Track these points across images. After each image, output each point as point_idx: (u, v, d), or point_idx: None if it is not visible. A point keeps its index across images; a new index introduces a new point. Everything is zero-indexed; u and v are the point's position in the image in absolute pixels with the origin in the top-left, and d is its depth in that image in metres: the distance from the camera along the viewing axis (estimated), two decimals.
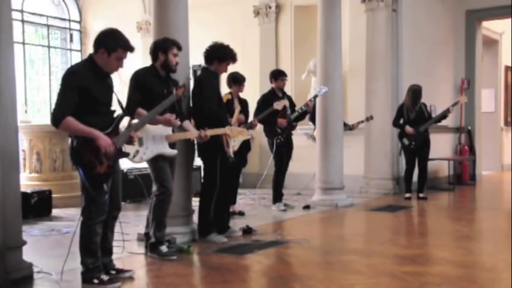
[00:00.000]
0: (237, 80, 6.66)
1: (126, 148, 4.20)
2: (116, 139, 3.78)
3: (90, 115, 3.66)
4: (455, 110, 10.69)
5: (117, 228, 4.86)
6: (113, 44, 3.71)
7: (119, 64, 3.77)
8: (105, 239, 3.99)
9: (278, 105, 6.87)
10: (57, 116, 3.58)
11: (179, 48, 4.73)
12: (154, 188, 4.71)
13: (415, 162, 8.42)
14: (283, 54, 10.33)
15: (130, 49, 3.77)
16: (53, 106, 3.67)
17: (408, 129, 8.24)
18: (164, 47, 4.67)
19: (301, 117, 7.47)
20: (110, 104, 3.85)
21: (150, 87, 4.56)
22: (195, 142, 5.30)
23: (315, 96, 7.45)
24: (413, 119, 8.27)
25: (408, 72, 9.25)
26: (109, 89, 3.86)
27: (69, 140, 3.74)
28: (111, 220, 4.00)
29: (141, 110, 4.40)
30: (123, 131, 3.91)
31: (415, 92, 8.23)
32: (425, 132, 8.34)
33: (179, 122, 4.60)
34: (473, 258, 4.80)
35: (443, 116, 8.43)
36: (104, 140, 3.64)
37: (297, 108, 7.46)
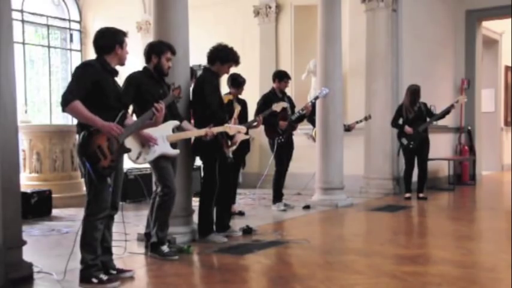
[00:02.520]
0: (237, 83, 6.64)
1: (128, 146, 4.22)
2: (120, 135, 3.79)
3: (101, 112, 3.70)
4: (455, 110, 10.72)
5: (118, 228, 4.89)
6: (118, 37, 3.94)
7: (127, 51, 4.00)
8: (103, 238, 3.98)
9: (277, 107, 6.85)
10: (67, 98, 3.65)
11: (173, 52, 4.73)
12: (157, 188, 4.70)
13: (414, 162, 8.42)
14: (283, 54, 10.34)
15: (126, 34, 4.05)
16: (63, 93, 3.72)
17: (407, 129, 8.24)
18: (158, 51, 4.68)
19: (300, 119, 7.47)
20: (118, 101, 3.91)
21: (146, 89, 4.56)
22: (193, 143, 5.31)
23: (316, 98, 7.44)
24: (412, 119, 8.27)
25: (408, 72, 9.25)
26: (117, 87, 3.96)
27: (76, 136, 3.78)
28: (108, 219, 4.00)
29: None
30: (124, 129, 3.90)
31: (414, 92, 8.24)
32: (425, 132, 8.34)
33: (157, 144, 4.46)
34: (473, 258, 4.80)
35: (445, 113, 8.42)
36: (108, 126, 3.68)
37: (297, 109, 7.46)
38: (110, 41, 3.90)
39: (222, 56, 5.28)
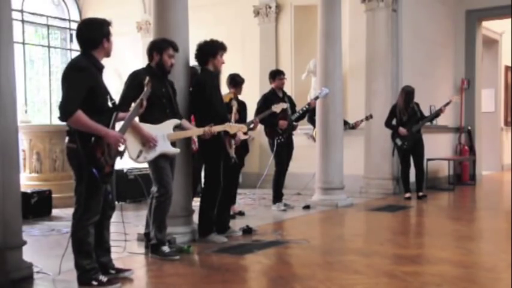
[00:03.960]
0: (235, 82, 6.68)
1: (128, 148, 4.21)
2: None
3: (95, 113, 3.62)
4: (455, 110, 10.76)
5: (118, 228, 4.88)
6: (104, 29, 3.77)
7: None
8: (102, 239, 3.96)
9: (276, 108, 6.87)
10: (69, 110, 3.52)
11: (175, 49, 4.73)
12: (154, 188, 4.70)
13: (409, 162, 8.44)
14: (283, 54, 10.34)
15: (110, 23, 3.86)
16: (60, 101, 3.59)
17: (402, 130, 8.26)
18: (160, 48, 4.68)
19: (301, 117, 7.48)
20: (108, 100, 3.82)
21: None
22: (197, 143, 5.32)
23: (316, 98, 7.44)
24: (405, 120, 8.29)
25: (408, 72, 9.25)
26: (105, 84, 3.84)
27: (67, 139, 3.70)
28: (105, 220, 3.97)
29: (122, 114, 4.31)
30: (118, 129, 3.89)
31: (408, 93, 8.26)
32: (418, 132, 8.37)
33: (156, 145, 4.46)
34: (473, 258, 4.80)
35: (436, 115, 8.50)
36: (113, 136, 3.64)
37: (297, 109, 7.46)
38: (96, 34, 3.72)
39: (209, 50, 5.27)
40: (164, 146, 4.53)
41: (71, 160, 3.78)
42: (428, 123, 8.69)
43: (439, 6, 10.64)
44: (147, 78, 4.15)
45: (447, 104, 8.47)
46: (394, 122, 8.38)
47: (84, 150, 3.59)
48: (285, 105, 7.00)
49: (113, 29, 3.85)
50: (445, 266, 4.35)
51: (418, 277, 4.02)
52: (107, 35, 3.76)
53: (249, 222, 6.06)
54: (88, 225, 3.73)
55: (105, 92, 3.78)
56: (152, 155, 4.46)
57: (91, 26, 3.77)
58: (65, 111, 3.53)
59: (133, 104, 4.56)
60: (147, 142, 4.37)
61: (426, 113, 8.84)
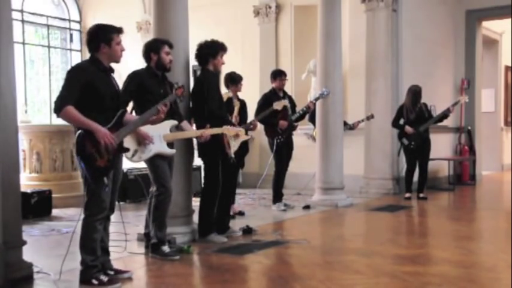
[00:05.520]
0: (233, 80, 6.68)
1: (126, 145, 4.21)
2: (117, 134, 3.78)
3: (95, 112, 3.68)
4: (455, 110, 10.74)
5: (118, 228, 4.88)
6: (106, 34, 3.84)
7: (121, 48, 3.91)
8: (100, 239, 3.97)
9: (278, 106, 6.89)
10: (59, 104, 3.64)
11: (170, 46, 4.77)
12: (153, 188, 4.71)
13: (415, 163, 8.41)
14: (283, 54, 10.34)
15: (120, 30, 3.92)
16: (55, 99, 3.71)
17: (408, 129, 8.23)
18: (155, 47, 4.72)
19: (301, 118, 7.48)
20: (115, 99, 3.87)
21: (147, 87, 4.58)
22: (195, 143, 5.32)
23: (317, 99, 7.43)
24: (413, 120, 8.27)
25: (408, 72, 9.25)
26: (113, 85, 3.90)
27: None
28: (105, 220, 3.98)
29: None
30: (123, 127, 3.89)
31: (415, 92, 8.24)
32: (426, 132, 8.34)
33: (152, 143, 4.45)
34: (473, 258, 4.80)
35: (444, 116, 8.42)
36: (101, 132, 3.66)
37: (297, 109, 7.46)
38: (95, 38, 3.83)
39: (209, 50, 5.28)
40: (160, 147, 4.51)
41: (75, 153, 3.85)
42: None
43: (439, 6, 10.64)
44: (179, 83, 4.35)
45: (455, 103, 8.46)
46: (401, 122, 8.35)
47: (76, 143, 3.67)
48: (286, 102, 7.05)
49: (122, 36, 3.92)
50: (445, 266, 4.35)
51: (418, 277, 4.02)
52: (106, 40, 3.82)
53: (249, 222, 6.06)
54: (94, 221, 3.77)
55: (111, 93, 3.83)
56: (147, 154, 4.45)
57: (93, 30, 3.88)
58: (56, 106, 3.66)
59: (130, 104, 4.61)
60: (142, 140, 4.37)
61: None
